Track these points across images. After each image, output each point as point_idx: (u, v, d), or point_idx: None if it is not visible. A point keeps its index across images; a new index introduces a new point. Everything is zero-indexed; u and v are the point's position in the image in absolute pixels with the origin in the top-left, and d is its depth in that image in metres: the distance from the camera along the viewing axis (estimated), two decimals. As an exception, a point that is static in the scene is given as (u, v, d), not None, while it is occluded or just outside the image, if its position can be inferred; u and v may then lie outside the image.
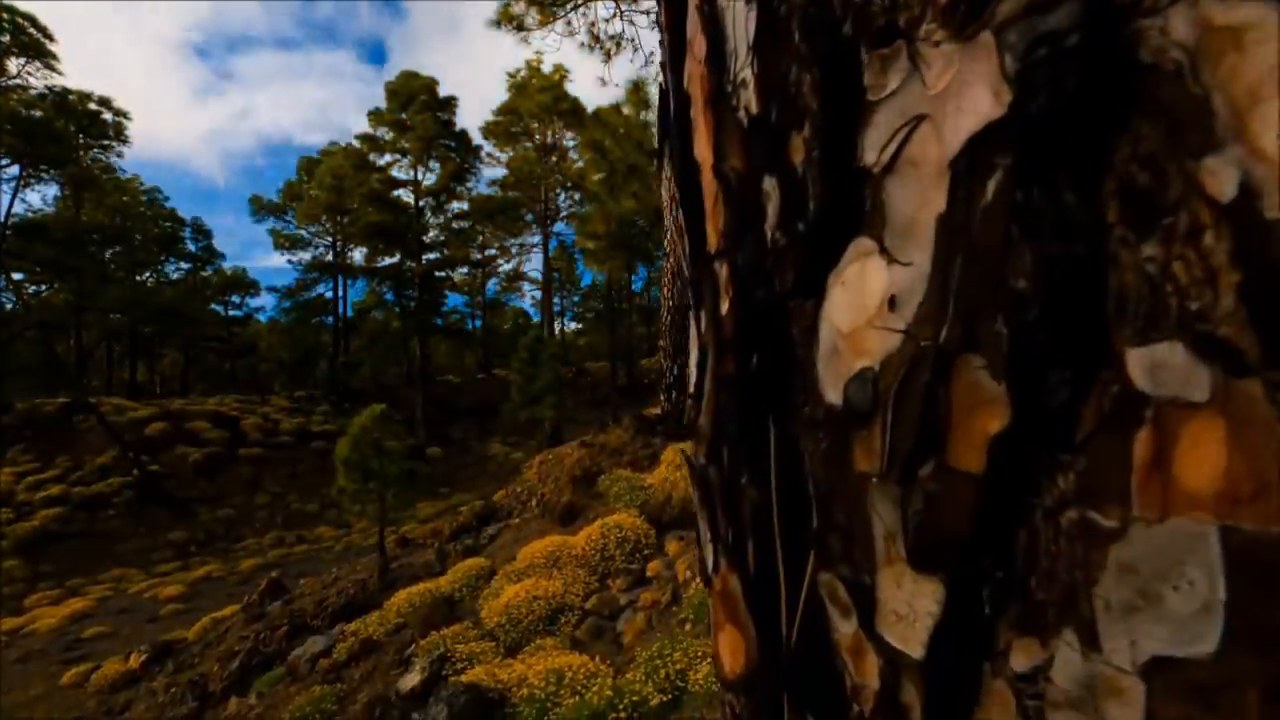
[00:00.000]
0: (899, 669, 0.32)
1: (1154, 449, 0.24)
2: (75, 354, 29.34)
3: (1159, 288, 0.24)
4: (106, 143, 28.24)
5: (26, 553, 18.41)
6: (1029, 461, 0.28)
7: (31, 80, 22.99)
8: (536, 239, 37.38)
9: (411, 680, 6.44)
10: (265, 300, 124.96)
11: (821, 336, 0.35)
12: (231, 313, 42.11)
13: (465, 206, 35.09)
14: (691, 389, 0.47)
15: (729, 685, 0.44)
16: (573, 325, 50.82)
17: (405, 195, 32.61)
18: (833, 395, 0.35)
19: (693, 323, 0.47)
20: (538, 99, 31.27)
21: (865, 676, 0.34)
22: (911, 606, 0.32)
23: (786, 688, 0.38)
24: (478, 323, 46.11)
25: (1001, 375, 0.28)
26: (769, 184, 0.38)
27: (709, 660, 5.47)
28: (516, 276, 44.42)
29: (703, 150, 0.44)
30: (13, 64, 22.22)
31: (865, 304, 0.33)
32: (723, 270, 0.42)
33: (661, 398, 12.68)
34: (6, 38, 21.42)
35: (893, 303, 0.31)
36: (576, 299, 47.60)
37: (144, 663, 10.53)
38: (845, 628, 0.35)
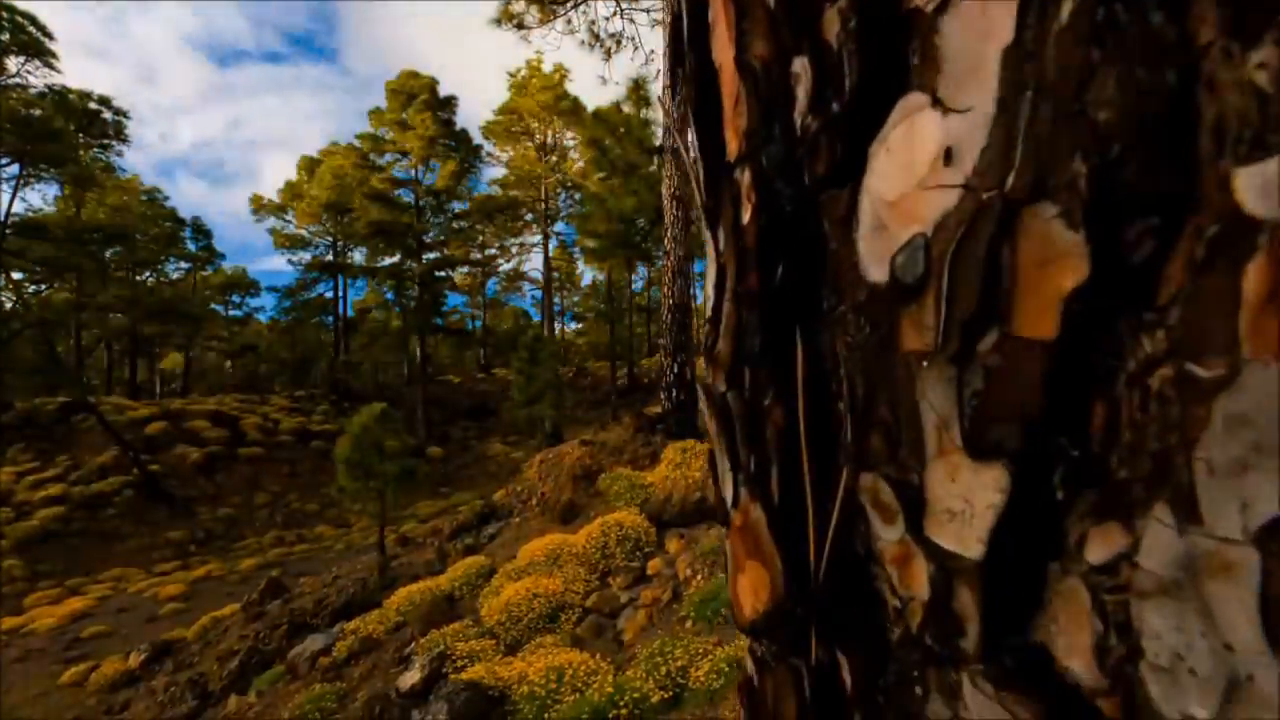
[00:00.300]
0: (952, 575, 0.29)
1: (1270, 280, 0.21)
2: (75, 353, 29.33)
3: (1270, 100, 0.21)
4: (106, 141, 28.22)
5: (26, 552, 18.38)
6: (1108, 321, 0.25)
7: (31, 79, 22.98)
8: (537, 238, 37.42)
9: (412, 678, 6.40)
10: (265, 300, 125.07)
11: (862, 215, 0.32)
12: (231, 313, 42.15)
13: (466, 206, 35.10)
14: (709, 313, 0.43)
15: (751, 629, 0.41)
16: (573, 325, 50.83)
17: (405, 195, 32.60)
18: (877, 274, 0.31)
19: (710, 245, 0.44)
20: (538, 98, 31.27)
21: (913, 587, 0.31)
22: (968, 501, 0.28)
23: (815, 619, 0.35)
24: (478, 323, 46.16)
25: (1079, 223, 0.25)
26: (799, 66, 0.35)
27: (710, 658, 5.43)
28: (517, 276, 44.45)
29: (722, 50, 0.40)
30: (12, 62, 22.20)
31: (915, 165, 0.30)
32: (745, 176, 0.39)
33: (662, 396, 12.64)
34: (6, 36, 21.38)
35: (948, 156, 0.28)
36: (576, 299, 47.63)
37: (143, 662, 10.50)
38: (889, 534, 0.32)
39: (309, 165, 36.03)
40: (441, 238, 33.57)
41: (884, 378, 0.31)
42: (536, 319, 39.89)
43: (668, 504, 9.09)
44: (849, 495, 0.33)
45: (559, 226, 36.42)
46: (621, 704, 5.04)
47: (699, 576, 7.17)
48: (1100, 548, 0.25)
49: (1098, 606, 0.26)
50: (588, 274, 45.66)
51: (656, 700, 5.15)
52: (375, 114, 32.16)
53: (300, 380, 38.47)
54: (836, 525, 0.34)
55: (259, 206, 36.51)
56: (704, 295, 0.45)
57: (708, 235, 0.43)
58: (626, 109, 16.61)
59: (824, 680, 0.36)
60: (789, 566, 0.37)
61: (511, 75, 32.51)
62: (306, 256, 36.32)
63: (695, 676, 5.26)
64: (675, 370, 12.20)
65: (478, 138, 34.29)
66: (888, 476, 0.32)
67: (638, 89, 16.29)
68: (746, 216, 0.39)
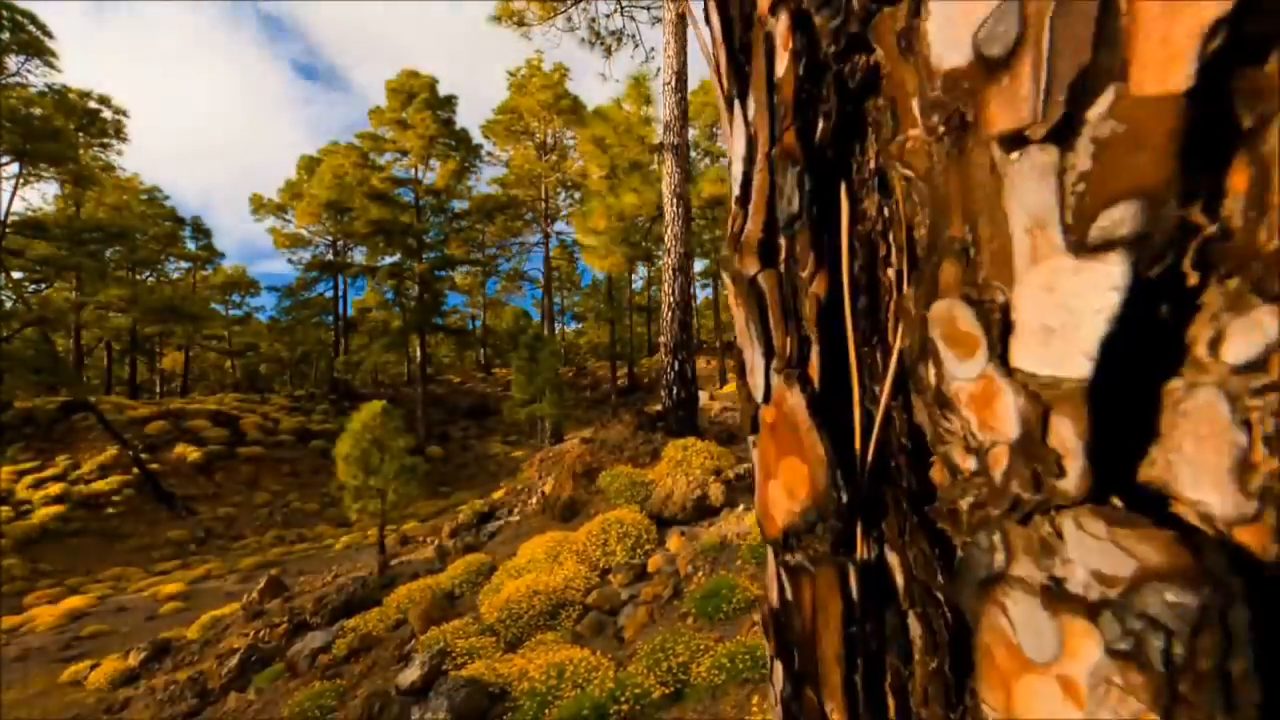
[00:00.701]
0: (1047, 406, 0.25)
1: None
2: (75, 353, 29.33)
3: None
4: (106, 140, 28.25)
5: (26, 551, 18.35)
6: (1255, 60, 0.21)
7: (31, 78, 22.99)
8: (537, 238, 37.42)
9: (411, 675, 6.35)
10: (266, 300, 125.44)
11: (933, 4, 0.28)
12: (232, 312, 42.14)
13: (466, 205, 35.12)
14: (736, 193, 0.39)
15: (784, 536, 0.37)
16: (573, 325, 50.86)
17: (406, 194, 32.59)
18: (955, 58, 0.27)
19: (736, 119, 0.39)
20: (538, 97, 31.27)
21: (996, 428, 0.26)
22: (1071, 310, 0.24)
23: (862, 510, 0.31)
24: (478, 322, 46.16)
25: None
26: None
27: (711, 654, 5.39)
28: (517, 275, 44.42)
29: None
30: (12, 61, 22.19)
31: (1003, -80, 0.25)
32: (780, 22, 0.35)
33: (663, 394, 12.59)
34: (6, 35, 21.38)
35: None
36: (576, 299, 47.65)
37: (143, 660, 10.45)
38: (967, 371, 0.27)
39: (309, 165, 36.03)
40: (441, 237, 33.57)
41: (960, 191, 0.27)
42: (536, 319, 39.88)
43: (668, 501, 9.05)
44: (901, 361, 0.29)
45: (559, 226, 36.46)
46: (623, 700, 4.99)
47: (700, 573, 7.13)
48: (1244, 342, 0.22)
49: (1239, 416, 0.22)
50: (588, 274, 45.73)
51: (658, 696, 5.10)
52: (375, 113, 32.14)
53: (300, 380, 38.50)
54: (889, 395, 0.29)
55: (259, 206, 36.50)
56: (730, 179, 0.41)
57: (734, 115, 0.39)
58: (627, 106, 16.60)
59: (871, 581, 0.32)
60: (831, 454, 0.33)
61: (511, 74, 32.53)
62: (306, 256, 36.37)
63: (697, 672, 5.22)
64: (676, 368, 12.14)
65: (478, 137, 34.34)
66: (967, 298, 0.28)
67: (638, 86, 16.28)
68: (782, 68, 0.34)
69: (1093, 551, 0.25)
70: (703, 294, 39.16)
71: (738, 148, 0.39)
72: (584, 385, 34.67)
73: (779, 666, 0.40)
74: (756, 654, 5.13)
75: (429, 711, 5.58)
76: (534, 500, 11.66)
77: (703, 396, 15.21)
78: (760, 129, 0.36)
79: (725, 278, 0.40)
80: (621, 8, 15.48)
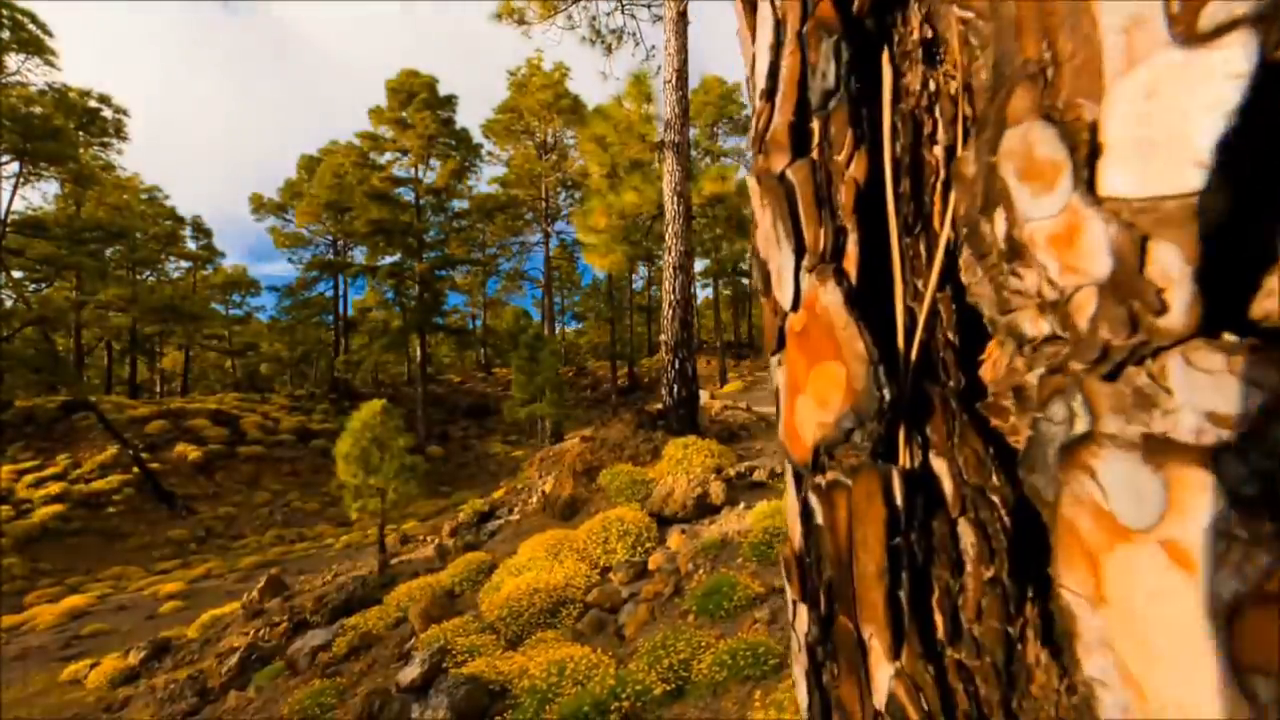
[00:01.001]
0: (1145, 234, 0.22)
1: None
2: (75, 352, 29.31)
3: None
4: (106, 140, 28.25)
5: (26, 550, 18.33)
6: None
7: (31, 77, 22.98)
8: (537, 237, 37.43)
9: (411, 673, 6.32)
10: (266, 300, 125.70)
11: None
12: (232, 312, 42.15)
13: (466, 205, 35.12)
14: (762, 86, 0.36)
15: (815, 453, 0.34)
16: (573, 325, 50.88)
17: (406, 193, 32.58)
18: None
19: (762, 12, 0.36)
20: (538, 96, 31.27)
21: (1080, 270, 0.23)
22: (1178, 112, 0.21)
23: (906, 413, 0.28)
24: (478, 322, 46.17)
25: None
26: None
27: (713, 650, 5.35)
28: (517, 275, 44.43)
29: None
30: (12, 60, 22.19)
31: None
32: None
33: (663, 393, 12.56)
34: (6, 34, 21.37)
35: None
36: (577, 299, 47.67)
37: (143, 659, 10.43)
38: (1046, 208, 0.24)
39: (309, 164, 36.03)
40: (442, 236, 33.55)
41: (1034, 7, 0.23)
42: (536, 318, 39.87)
43: (669, 499, 9.02)
44: (949, 249, 0.26)
45: (559, 225, 36.45)
46: (624, 697, 4.96)
47: (701, 571, 7.09)
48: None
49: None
50: (588, 273, 45.78)
51: (659, 693, 5.07)
52: (375, 112, 32.12)
53: (300, 380, 38.53)
54: (935, 286, 0.26)
55: (259, 205, 36.51)
56: (754, 77, 0.38)
57: (758, 11, 0.36)
58: (628, 104, 16.58)
59: (915, 487, 0.29)
60: (872, 349, 0.30)
61: (512, 74, 32.53)
62: (307, 255, 36.37)
63: (698, 669, 5.18)
64: (677, 366, 12.11)
65: (478, 136, 34.34)
66: (1048, 118, 0.24)
67: (639, 84, 16.24)
68: (817, -67, 0.32)
69: (1206, 390, 0.21)
70: (703, 294, 39.21)
71: (763, 39, 0.36)
72: (584, 385, 34.67)
73: (803, 611, 0.37)
74: (758, 651, 5.10)
75: (429, 709, 5.55)
76: (534, 499, 11.63)
77: (703, 395, 15.19)
78: (790, 10, 0.33)
79: (750, 181, 0.37)
80: (622, 6, 15.45)
